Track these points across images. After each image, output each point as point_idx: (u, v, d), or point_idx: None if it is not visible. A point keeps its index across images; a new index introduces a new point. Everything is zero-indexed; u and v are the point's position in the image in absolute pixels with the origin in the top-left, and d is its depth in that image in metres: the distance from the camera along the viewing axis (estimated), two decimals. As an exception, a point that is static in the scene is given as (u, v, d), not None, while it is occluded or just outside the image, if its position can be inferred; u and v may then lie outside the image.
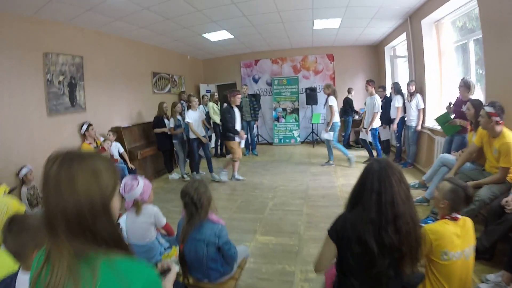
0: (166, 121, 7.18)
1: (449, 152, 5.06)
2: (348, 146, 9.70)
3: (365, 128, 7.48)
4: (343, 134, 9.96)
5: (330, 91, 7.46)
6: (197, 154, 7.04)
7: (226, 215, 4.87)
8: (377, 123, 7.32)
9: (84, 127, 5.96)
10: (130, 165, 6.50)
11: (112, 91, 7.06)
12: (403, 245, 1.68)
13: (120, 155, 6.50)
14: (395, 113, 7.14)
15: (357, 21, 7.50)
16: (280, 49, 10.97)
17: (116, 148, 6.43)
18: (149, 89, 8.56)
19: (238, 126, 6.52)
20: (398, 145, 7.50)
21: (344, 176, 6.66)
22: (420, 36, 6.62)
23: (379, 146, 7.47)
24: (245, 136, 7.00)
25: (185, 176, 7.27)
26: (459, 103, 4.99)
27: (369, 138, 7.42)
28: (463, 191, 2.14)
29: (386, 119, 7.58)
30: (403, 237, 1.67)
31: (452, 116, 5.11)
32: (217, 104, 9.14)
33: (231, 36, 8.38)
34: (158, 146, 7.35)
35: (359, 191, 1.83)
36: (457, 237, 2.06)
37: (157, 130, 7.15)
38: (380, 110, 7.15)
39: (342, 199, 5.24)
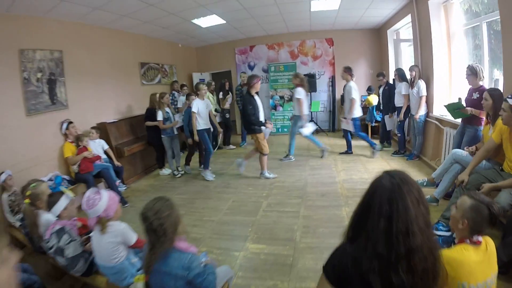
0: (160, 113, 6.78)
1: (459, 145, 4.70)
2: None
3: (345, 118, 7.13)
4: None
5: (299, 81, 7.06)
6: (210, 145, 6.59)
7: (216, 218, 4.55)
8: (358, 112, 7.00)
9: (64, 125, 5.57)
10: (116, 162, 6.13)
11: (97, 85, 6.63)
12: (416, 287, 1.21)
13: (105, 152, 6.13)
14: (401, 101, 6.74)
15: (358, 1, 7.02)
16: (276, 33, 10.44)
17: (100, 146, 6.07)
18: (137, 81, 8.12)
19: (262, 116, 6.05)
20: (399, 135, 7.08)
21: (345, 170, 6.28)
22: (427, 18, 6.12)
23: (364, 135, 7.27)
24: (272, 126, 6.51)
25: (175, 172, 6.93)
26: (470, 91, 4.57)
27: (351, 128, 7.06)
28: (487, 209, 1.75)
29: (391, 108, 7.22)
30: (417, 277, 1.21)
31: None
32: (212, 94, 8.74)
33: (222, 21, 7.89)
34: (149, 140, 7.00)
35: (363, 215, 1.32)
36: (478, 265, 1.68)
37: (149, 123, 6.74)
38: (354, 97, 6.82)
39: (343, 197, 4.90)
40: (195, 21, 7.56)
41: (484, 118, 4.23)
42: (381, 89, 7.69)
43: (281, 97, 10.56)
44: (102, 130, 6.36)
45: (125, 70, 7.56)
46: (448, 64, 6.17)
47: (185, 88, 8.71)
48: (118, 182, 5.94)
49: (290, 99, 10.40)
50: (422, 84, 6.21)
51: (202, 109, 6.34)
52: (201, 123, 6.35)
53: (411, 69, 6.35)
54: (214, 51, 11.37)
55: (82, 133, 5.64)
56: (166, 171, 7.14)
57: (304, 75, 9.59)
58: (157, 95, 6.78)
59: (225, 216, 4.61)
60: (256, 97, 6.03)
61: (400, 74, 6.83)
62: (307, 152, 7.96)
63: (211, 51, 11.42)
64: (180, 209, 4.55)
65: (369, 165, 6.46)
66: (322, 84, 10.46)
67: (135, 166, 7.12)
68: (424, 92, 6.17)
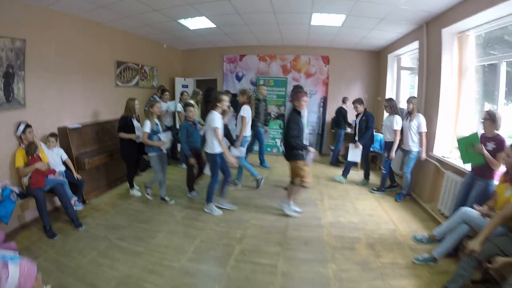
0: (135, 123, 5.94)
1: (465, 198, 4.12)
2: (337, 162, 8.70)
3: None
4: (332, 147, 8.97)
5: (245, 98, 6.47)
6: (218, 174, 5.35)
7: (178, 264, 3.74)
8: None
9: (21, 128, 4.74)
10: (76, 175, 5.35)
11: (63, 83, 5.80)
12: None
13: (64, 163, 5.35)
14: (391, 136, 6.18)
15: (364, 20, 6.38)
16: (269, 45, 9.78)
17: (58, 155, 5.27)
18: (111, 81, 7.27)
19: (305, 140, 5.35)
20: (384, 172, 6.42)
21: (332, 209, 5.59)
22: (438, 48, 5.57)
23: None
24: (315, 151, 5.14)
25: (148, 191, 5.98)
26: (483, 139, 3.95)
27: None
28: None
29: (364, 139, 6.80)
30: None
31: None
32: (197, 105, 7.92)
33: (212, 25, 7.17)
34: (122, 154, 6.04)
35: None
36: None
37: (123, 135, 5.81)
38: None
39: (329, 248, 4.18)
40: (182, 21, 6.82)
41: (497, 170, 3.78)
42: (358, 119, 7.00)
43: (268, 114, 9.75)
44: (63, 136, 5.56)
45: (97, 68, 6.73)
46: (456, 101, 5.60)
47: (167, 94, 8.01)
48: (74, 200, 5.14)
49: (277, 116, 9.75)
50: (422, 119, 5.68)
51: (221, 126, 5.15)
52: (216, 144, 5.05)
53: (409, 100, 5.84)
54: (201, 56, 10.62)
55: (34, 141, 4.78)
56: (136, 191, 6.18)
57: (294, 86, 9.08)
58: (135, 102, 5.96)
59: (189, 263, 3.78)
60: (304, 115, 5.43)
61: (392, 105, 6.23)
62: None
63: (197, 56, 10.66)
64: (138, 244, 3.85)
65: (359, 204, 5.82)
66: (313, 104, 9.78)
67: (98, 179, 6.29)
68: (424, 128, 5.64)
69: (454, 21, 5.02)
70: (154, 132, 5.50)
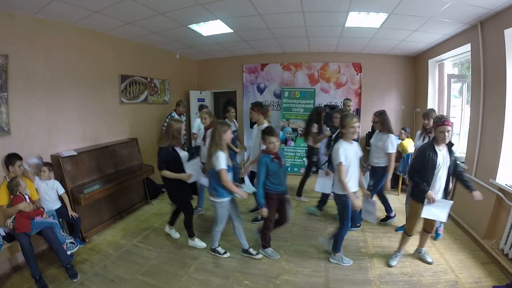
0: (181, 153, 4.59)
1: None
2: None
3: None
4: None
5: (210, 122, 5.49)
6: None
7: None
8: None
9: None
10: (71, 212, 4.52)
11: (55, 102, 4.99)
12: None
13: (60, 198, 4.54)
14: (382, 160, 5.12)
15: (408, 20, 5.39)
16: (294, 52, 8.84)
17: (53, 189, 4.46)
18: (115, 98, 6.43)
19: None
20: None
21: (379, 254, 4.47)
22: (500, 52, 4.55)
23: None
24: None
25: (221, 251, 4.51)
26: None
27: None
28: None
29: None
30: None
31: None
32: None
33: (229, 30, 6.27)
34: (171, 197, 4.79)
35: None
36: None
37: (169, 175, 4.37)
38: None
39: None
40: (194, 27, 5.95)
41: None
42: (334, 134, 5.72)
43: (294, 130, 8.86)
44: (55, 165, 4.73)
45: (97, 84, 5.91)
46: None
47: (182, 107, 7.30)
48: (68, 242, 4.36)
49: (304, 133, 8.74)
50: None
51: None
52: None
53: (428, 115, 4.77)
54: (218, 67, 9.72)
55: (17, 176, 3.91)
56: (200, 243, 4.74)
57: (324, 106, 8.10)
58: (181, 126, 4.56)
59: None
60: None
61: (384, 120, 5.09)
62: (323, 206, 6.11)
63: (214, 66, 9.77)
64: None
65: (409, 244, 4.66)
66: (345, 117, 8.75)
67: (100, 212, 5.42)
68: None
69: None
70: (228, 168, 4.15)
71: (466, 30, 5.60)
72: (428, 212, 3.77)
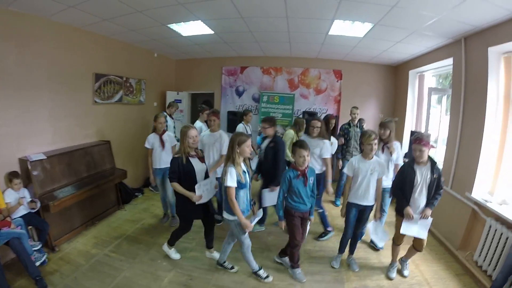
0: (198, 165, 4.09)
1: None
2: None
3: None
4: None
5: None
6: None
7: None
8: None
9: None
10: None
11: (26, 101, 4.71)
12: None
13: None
14: (321, 167, 5.11)
15: (393, 32, 5.38)
16: (275, 56, 8.73)
17: (24, 198, 4.23)
18: (88, 98, 6.11)
19: None
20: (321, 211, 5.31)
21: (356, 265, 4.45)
22: (483, 68, 4.63)
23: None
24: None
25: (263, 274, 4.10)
26: None
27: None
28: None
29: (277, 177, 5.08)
30: None
31: None
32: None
33: (210, 32, 6.11)
34: (177, 211, 4.41)
35: None
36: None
37: (178, 189, 3.97)
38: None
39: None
40: (174, 26, 5.76)
41: None
42: (264, 143, 5.41)
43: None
44: (22, 170, 4.49)
45: (70, 82, 5.60)
46: (501, 132, 4.61)
47: (175, 109, 7.33)
48: (36, 249, 4.10)
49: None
50: (399, 148, 4.79)
51: None
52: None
53: (384, 125, 4.61)
54: (197, 67, 9.48)
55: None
56: (175, 254, 4.50)
57: (304, 112, 8.05)
58: (193, 133, 4.04)
59: None
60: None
61: (323, 127, 5.11)
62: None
63: (193, 66, 9.53)
64: None
65: (384, 255, 4.71)
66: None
67: (71, 218, 5.13)
68: (401, 160, 4.79)
69: (506, 40, 4.16)
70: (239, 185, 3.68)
71: (449, 44, 5.67)
72: (407, 228, 3.83)
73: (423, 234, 3.81)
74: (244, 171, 3.63)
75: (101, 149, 6.15)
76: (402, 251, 4.27)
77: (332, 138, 5.77)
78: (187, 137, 3.93)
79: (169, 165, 4.04)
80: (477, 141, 4.65)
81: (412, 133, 7.10)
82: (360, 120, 6.91)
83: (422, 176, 3.71)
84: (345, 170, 4.20)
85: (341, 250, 4.47)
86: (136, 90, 7.55)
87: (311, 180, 3.92)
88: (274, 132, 5.21)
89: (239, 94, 9.25)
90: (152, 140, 5.43)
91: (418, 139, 3.66)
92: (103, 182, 5.60)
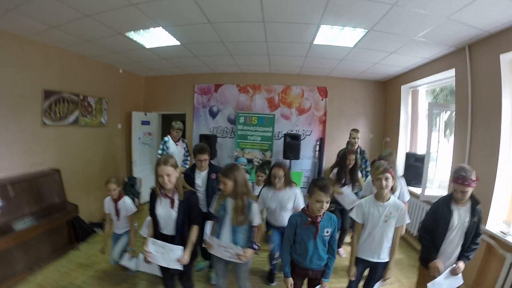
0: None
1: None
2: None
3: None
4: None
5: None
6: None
7: None
8: None
9: None
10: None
11: None
12: None
13: None
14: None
15: (388, 40, 4.81)
16: (252, 72, 8.09)
17: None
18: (36, 119, 5.31)
19: None
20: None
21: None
22: (496, 78, 4.08)
23: None
24: None
25: None
26: None
27: None
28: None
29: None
30: None
31: None
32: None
33: (176, 43, 5.42)
34: None
35: None
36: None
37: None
38: None
39: None
40: (133, 35, 5.05)
41: None
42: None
43: (249, 161, 7.84)
44: None
45: (14, 102, 4.88)
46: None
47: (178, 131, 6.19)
48: None
49: (262, 164, 7.79)
50: (404, 183, 4.32)
51: None
52: None
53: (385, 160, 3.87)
54: (168, 85, 8.75)
55: None
56: None
57: (285, 134, 7.36)
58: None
59: None
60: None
61: (287, 173, 4.19)
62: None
63: (163, 84, 8.79)
64: None
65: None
66: (307, 147, 8.09)
67: (11, 263, 4.34)
68: (408, 196, 4.32)
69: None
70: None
71: (449, 54, 5.21)
72: (435, 285, 3.06)
73: (458, 282, 3.09)
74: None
75: (49, 180, 5.35)
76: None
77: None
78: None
79: None
80: (491, 163, 4.09)
81: (409, 155, 6.53)
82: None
83: (460, 219, 3.03)
84: (352, 215, 3.31)
85: None
86: (95, 111, 6.75)
87: (327, 232, 3.00)
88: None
89: (213, 115, 8.49)
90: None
91: (461, 179, 2.92)
92: (48, 220, 4.82)
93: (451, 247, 3.06)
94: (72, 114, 6.09)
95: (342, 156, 5.24)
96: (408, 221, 3.12)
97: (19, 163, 5.02)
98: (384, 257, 3.19)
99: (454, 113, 5.14)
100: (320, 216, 2.93)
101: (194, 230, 3.16)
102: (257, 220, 3.17)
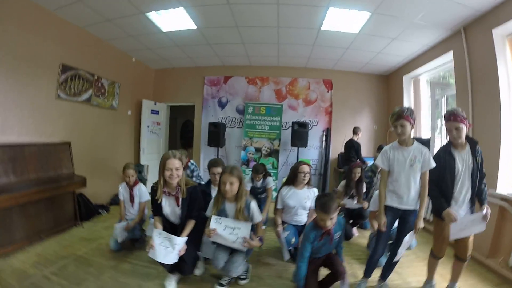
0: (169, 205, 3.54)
1: None
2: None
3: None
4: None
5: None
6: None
7: None
8: None
9: None
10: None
11: None
12: None
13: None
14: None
15: (389, 23, 5.27)
16: (261, 65, 8.54)
17: None
18: (51, 90, 5.53)
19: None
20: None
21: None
22: (489, 54, 4.53)
23: None
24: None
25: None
26: None
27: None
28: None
29: None
30: None
31: None
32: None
33: (192, 26, 5.85)
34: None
35: None
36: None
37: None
38: None
39: None
40: (153, 16, 5.46)
41: None
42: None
43: (258, 150, 8.28)
44: None
45: (32, 67, 5.08)
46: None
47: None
48: None
49: (269, 153, 8.24)
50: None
51: None
52: None
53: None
54: (178, 77, 9.15)
55: None
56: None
57: (293, 123, 7.71)
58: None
59: None
60: None
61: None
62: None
63: (173, 76, 9.19)
64: None
65: (409, 274, 3.97)
66: (314, 137, 8.46)
67: (10, 230, 4.29)
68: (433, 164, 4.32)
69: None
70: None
71: (447, 38, 5.63)
72: (457, 232, 3.06)
73: (482, 227, 3.06)
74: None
75: (59, 150, 5.46)
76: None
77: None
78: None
79: None
80: (495, 132, 4.43)
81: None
82: None
83: (464, 163, 3.04)
84: (378, 162, 3.31)
85: (367, 273, 3.51)
86: (108, 93, 7.07)
87: (338, 235, 3.22)
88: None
89: (222, 105, 8.89)
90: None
91: (452, 115, 2.99)
92: (55, 186, 4.86)
93: (462, 193, 3.05)
94: (86, 92, 6.34)
95: (348, 170, 5.51)
96: (433, 164, 3.05)
97: (30, 130, 5.15)
98: (412, 205, 3.15)
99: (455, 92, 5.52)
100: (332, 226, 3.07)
101: (190, 224, 3.37)
102: (257, 217, 3.32)
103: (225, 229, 3.23)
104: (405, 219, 3.17)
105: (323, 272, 3.35)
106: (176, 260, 3.16)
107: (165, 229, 3.29)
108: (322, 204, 2.96)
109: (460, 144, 3.06)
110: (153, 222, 3.49)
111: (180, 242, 3.16)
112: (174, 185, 3.32)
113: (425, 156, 3.08)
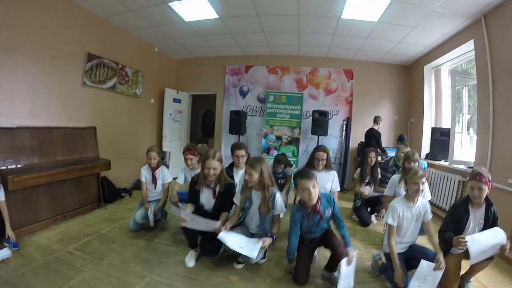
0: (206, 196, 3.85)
1: None
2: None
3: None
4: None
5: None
6: None
7: None
8: None
9: None
10: (9, 232, 3.83)
11: (4, 67, 4.50)
12: None
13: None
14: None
15: (409, 11, 5.32)
16: (282, 54, 8.69)
17: None
18: (77, 78, 5.87)
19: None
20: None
21: None
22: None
23: None
24: None
25: None
26: None
27: None
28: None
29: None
30: None
31: None
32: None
33: (214, 16, 6.06)
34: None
35: None
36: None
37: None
38: None
39: None
40: (175, 5, 5.68)
41: None
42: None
43: (278, 138, 8.47)
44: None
45: (59, 56, 5.40)
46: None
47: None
48: None
49: (290, 141, 8.41)
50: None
51: None
52: None
53: (411, 158, 4.53)
54: (199, 67, 9.40)
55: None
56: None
57: (314, 111, 7.85)
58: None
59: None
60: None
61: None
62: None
63: (195, 66, 9.46)
64: None
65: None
66: (334, 127, 8.57)
67: (36, 209, 4.59)
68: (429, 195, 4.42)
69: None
70: None
71: (467, 27, 5.65)
72: (477, 255, 2.89)
73: (502, 237, 2.92)
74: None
75: (85, 135, 5.79)
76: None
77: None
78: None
79: None
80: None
81: (434, 130, 6.86)
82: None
83: (476, 221, 3.12)
84: (389, 220, 3.25)
85: None
86: (132, 81, 7.36)
87: (329, 212, 3.31)
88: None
89: (243, 94, 9.10)
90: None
91: (477, 175, 3.02)
92: (80, 167, 5.21)
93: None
94: (110, 80, 6.65)
95: (363, 155, 5.69)
96: (430, 216, 3.28)
97: (57, 115, 5.48)
98: (414, 239, 3.37)
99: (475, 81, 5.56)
100: (318, 202, 3.19)
101: (224, 215, 3.68)
102: (279, 209, 3.49)
103: (240, 246, 3.33)
104: (412, 249, 3.35)
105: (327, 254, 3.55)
106: (207, 230, 3.44)
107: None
108: (301, 173, 3.21)
109: (478, 203, 3.12)
110: (185, 207, 3.81)
111: (214, 222, 3.44)
112: (213, 180, 3.71)
113: (426, 208, 3.30)
